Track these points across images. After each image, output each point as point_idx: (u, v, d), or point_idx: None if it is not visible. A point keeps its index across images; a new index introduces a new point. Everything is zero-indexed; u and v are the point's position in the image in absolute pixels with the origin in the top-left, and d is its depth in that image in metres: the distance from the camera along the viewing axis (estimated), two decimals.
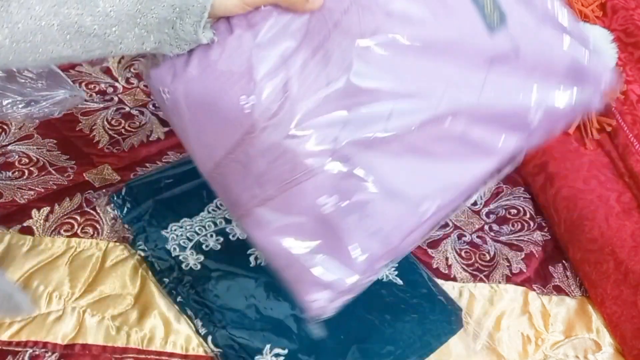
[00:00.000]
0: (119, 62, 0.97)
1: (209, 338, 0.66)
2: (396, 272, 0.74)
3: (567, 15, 0.56)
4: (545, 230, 0.87)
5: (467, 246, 0.83)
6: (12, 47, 0.43)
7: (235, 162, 0.53)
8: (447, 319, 0.71)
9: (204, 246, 0.73)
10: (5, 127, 0.84)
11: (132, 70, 0.96)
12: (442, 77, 0.52)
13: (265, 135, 0.51)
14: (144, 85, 0.94)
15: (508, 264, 0.81)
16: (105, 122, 0.89)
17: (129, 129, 0.88)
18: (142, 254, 0.72)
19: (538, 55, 0.55)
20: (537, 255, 0.83)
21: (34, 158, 0.81)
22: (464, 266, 0.80)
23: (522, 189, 0.93)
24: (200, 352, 0.66)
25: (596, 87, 0.59)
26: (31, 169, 0.80)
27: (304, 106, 0.50)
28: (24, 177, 0.79)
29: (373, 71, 0.50)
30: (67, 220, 0.75)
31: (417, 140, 0.52)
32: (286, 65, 0.50)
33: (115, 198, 0.77)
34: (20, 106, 0.85)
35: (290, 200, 0.53)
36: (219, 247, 0.74)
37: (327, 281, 0.55)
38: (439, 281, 0.76)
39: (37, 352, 0.63)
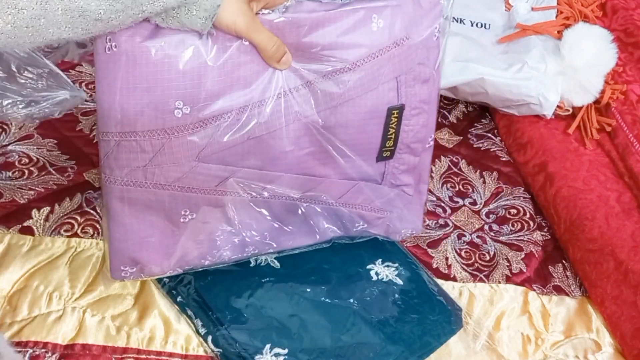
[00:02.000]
0: None
1: (209, 338, 0.66)
2: (396, 272, 0.74)
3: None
4: (545, 230, 0.87)
5: (467, 246, 0.83)
6: (14, 32, 0.43)
7: (135, 142, 0.57)
8: (447, 319, 0.71)
9: None
10: (5, 127, 0.85)
11: None
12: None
13: (175, 144, 0.57)
14: None
15: (508, 264, 0.81)
16: None
17: None
18: None
19: (389, 186, 0.71)
20: (537, 255, 0.83)
21: (34, 158, 0.81)
22: (463, 266, 0.80)
23: (522, 189, 0.93)
24: (200, 352, 0.66)
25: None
26: (31, 169, 0.80)
27: (217, 145, 0.58)
28: (24, 177, 0.79)
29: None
30: (67, 220, 0.75)
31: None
32: (231, 102, 0.57)
33: None
34: (20, 106, 0.84)
35: (161, 197, 0.61)
36: None
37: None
38: (439, 281, 0.76)
39: (37, 352, 0.63)
